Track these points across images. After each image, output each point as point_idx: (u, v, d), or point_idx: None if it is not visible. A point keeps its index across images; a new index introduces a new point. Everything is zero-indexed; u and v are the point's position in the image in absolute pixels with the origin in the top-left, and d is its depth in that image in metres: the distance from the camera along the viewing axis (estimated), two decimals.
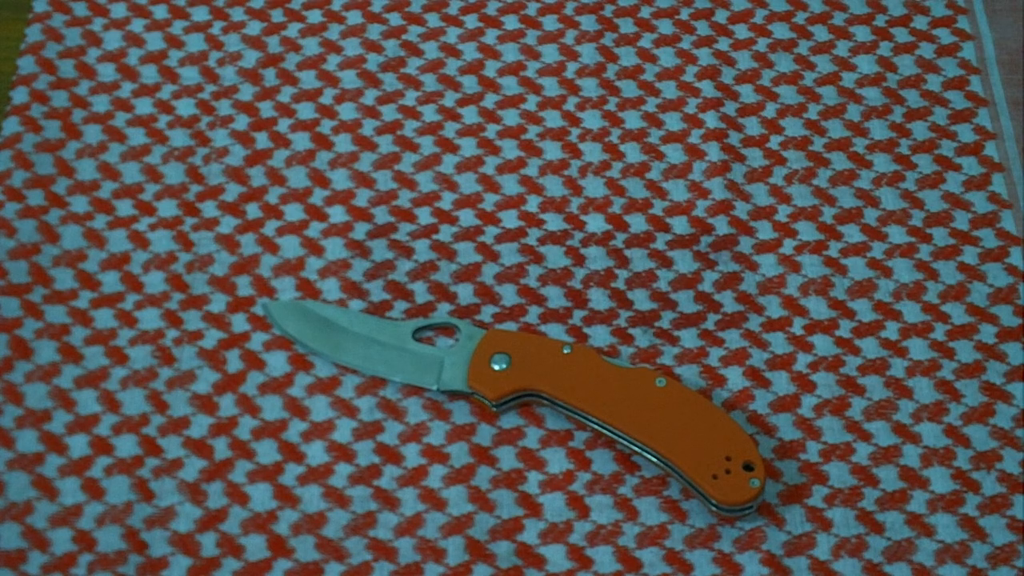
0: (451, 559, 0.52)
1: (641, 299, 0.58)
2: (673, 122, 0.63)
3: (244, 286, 0.58)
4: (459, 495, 0.53)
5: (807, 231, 0.60)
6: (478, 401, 0.55)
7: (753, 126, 0.63)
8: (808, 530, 0.53)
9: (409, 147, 0.62)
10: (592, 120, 0.63)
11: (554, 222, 0.60)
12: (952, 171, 0.62)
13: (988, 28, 0.66)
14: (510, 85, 0.64)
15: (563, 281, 0.58)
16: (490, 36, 0.66)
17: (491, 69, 0.65)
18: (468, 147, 0.62)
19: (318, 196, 0.61)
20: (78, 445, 0.54)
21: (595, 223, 0.60)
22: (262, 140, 0.62)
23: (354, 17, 0.66)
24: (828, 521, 0.53)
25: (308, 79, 0.64)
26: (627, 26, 0.66)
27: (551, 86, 0.64)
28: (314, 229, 0.60)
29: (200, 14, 0.66)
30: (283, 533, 0.52)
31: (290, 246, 0.59)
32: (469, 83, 0.64)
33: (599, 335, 0.57)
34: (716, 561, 0.52)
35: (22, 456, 0.54)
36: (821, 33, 0.66)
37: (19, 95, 0.63)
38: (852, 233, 0.60)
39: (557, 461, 0.54)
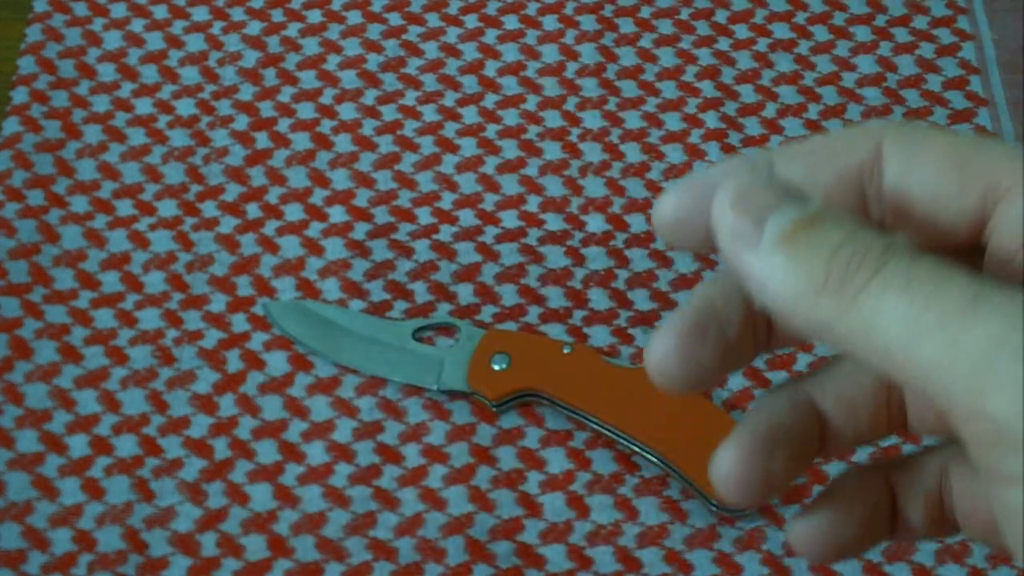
0: (451, 559, 0.52)
1: (641, 299, 0.58)
2: (673, 122, 0.63)
3: (244, 286, 0.58)
4: (459, 495, 0.53)
5: None
6: (478, 401, 0.55)
7: (753, 126, 0.63)
8: None
9: (409, 147, 0.62)
10: (592, 120, 0.63)
11: (554, 222, 0.60)
12: None
13: (988, 28, 0.66)
14: (510, 85, 0.64)
15: (563, 281, 0.58)
16: (490, 36, 0.66)
17: (491, 69, 0.65)
18: (468, 147, 0.62)
19: (318, 196, 0.61)
20: (78, 445, 0.54)
21: (595, 223, 0.60)
22: (262, 140, 0.62)
23: (354, 17, 0.66)
24: None
25: (308, 79, 0.64)
26: (627, 26, 0.66)
27: (551, 86, 0.64)
28: (314, 229, 0.60)
29: (200, 14, 0.66)
30: (283, 533, 0.52)
31: (290, 246, 0.59)
32: (469, 83, 0.64)
33: (599, 335, 0.57)
34: (716, 561, 0.52)
35: (22, 456, 0.54)
36: (821, 33, 0.66)
37: (19, 95, 0.63)
38: None
39: (557, 461, 0.54)
